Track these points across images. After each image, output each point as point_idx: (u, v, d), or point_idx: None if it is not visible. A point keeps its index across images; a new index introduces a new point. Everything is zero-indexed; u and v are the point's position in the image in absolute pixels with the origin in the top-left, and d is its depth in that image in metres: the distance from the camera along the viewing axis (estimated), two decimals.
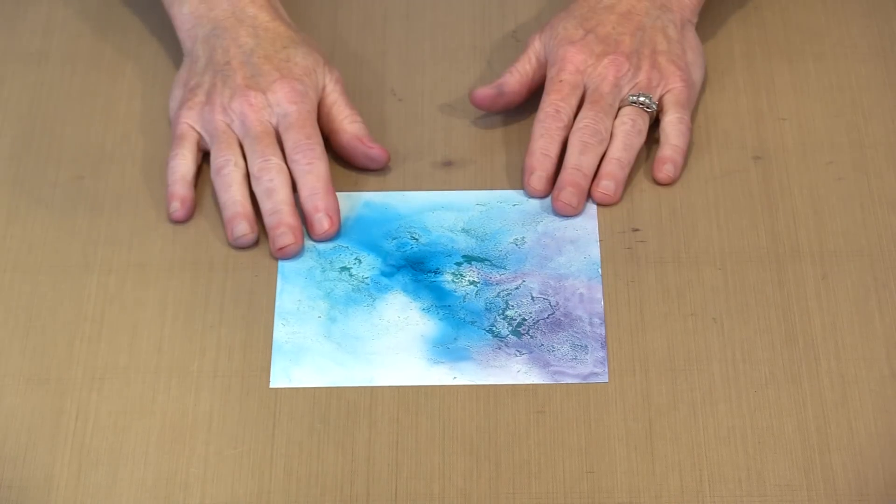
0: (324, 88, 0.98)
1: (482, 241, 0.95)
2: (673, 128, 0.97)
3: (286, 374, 0.90)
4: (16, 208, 0.98)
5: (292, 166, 0.95)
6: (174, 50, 1.04)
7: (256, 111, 0.96)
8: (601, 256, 0.94)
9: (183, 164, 0.96)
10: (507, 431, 0.88)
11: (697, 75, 1.00)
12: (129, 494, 0.86)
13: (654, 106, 0.97)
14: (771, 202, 0.97)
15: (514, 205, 0.97)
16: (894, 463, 0.86)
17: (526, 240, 0.95)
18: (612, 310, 0.92)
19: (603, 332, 0.91)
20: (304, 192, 0.95)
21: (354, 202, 0.97)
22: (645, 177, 0.98)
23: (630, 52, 0.97)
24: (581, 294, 0.93)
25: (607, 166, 0.96)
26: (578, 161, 0.95)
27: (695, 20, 1.01)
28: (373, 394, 0.89)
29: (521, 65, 1.00)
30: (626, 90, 0.97)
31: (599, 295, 0.93)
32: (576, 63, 0.97)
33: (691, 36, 1.00)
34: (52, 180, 0.99)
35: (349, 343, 0.91)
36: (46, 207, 0.97)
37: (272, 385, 0.90)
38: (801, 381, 0.89)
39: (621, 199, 0.96)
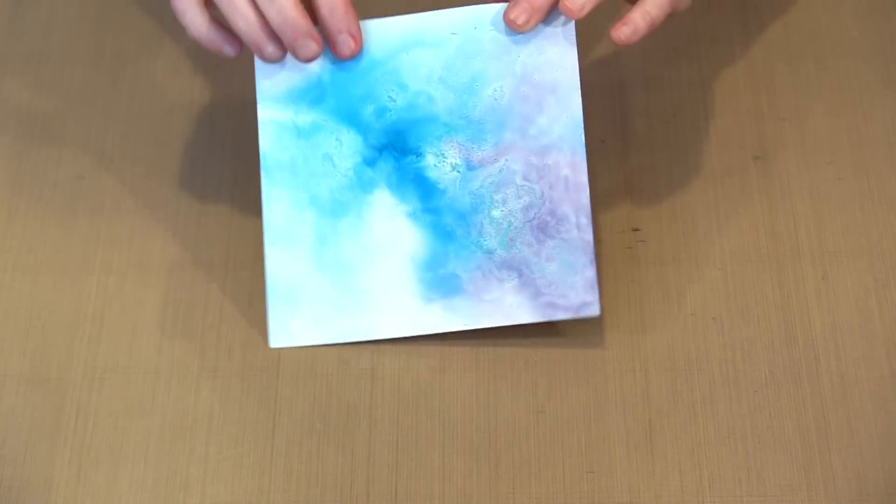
0: None
1: (460, 94, 0.91)
2: None
3: (284, 327, 0.90)
4: (16, 208, 0.98)
5: None
6: (174, 50, 1.04)
7: None
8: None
9: (191, 7, 0.89)
10: (507, 431, 0.88)
11: None
12: (129, 494, 0.86)
13: None
14: (771, 202, 0.97)
15: (490, 24, 0.91)
16: (894, 463, 0.86)
17: (504, 90, 0.91)
18: (612, 310, 0.92)
19: (591, 238, 0.90)
20: (322, 11, 0.89)
21: (327, 53, 0.91)
22: (645, 177, 0.98)
23: None
24: (566, 178, 0.90)
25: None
26: None
27: None
28: (373, 394, 0.90)
29: None
30: None
31: (584, 178, 0.90)
32: None
33: None
34: (52, 180, 0.99)
35: (342, 276, 0.91)
36: (46, 207, 0.97)
37: (272, 345, 0.90)
38: (801, 381, 0.89)
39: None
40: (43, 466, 0.87)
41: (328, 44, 0.90)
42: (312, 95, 0.91)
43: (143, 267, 0.95)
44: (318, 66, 0.91)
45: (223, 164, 0.99)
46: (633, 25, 0.90)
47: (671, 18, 0.92)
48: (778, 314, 0.92)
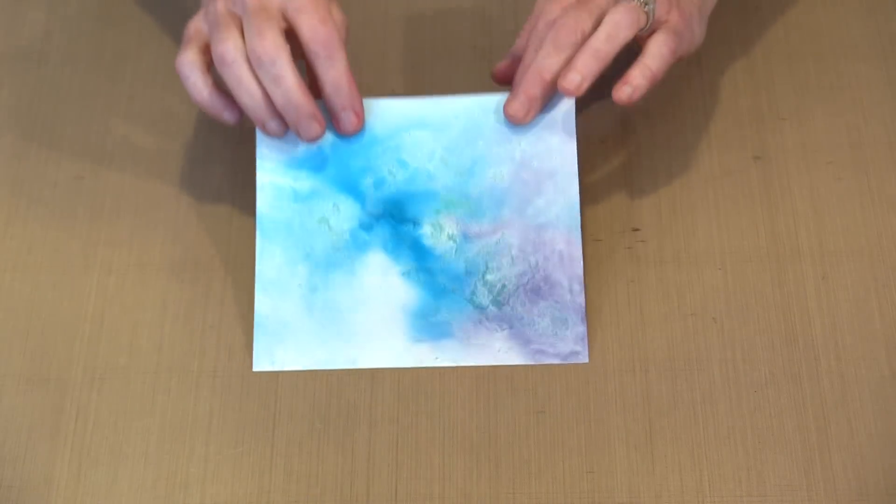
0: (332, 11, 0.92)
1: (460, 174, 0.93)
2: (656, 49, 0.91)
3: (269, 355, 0.90)
4: (16, 208, 0.98)
5: (310, 57, 0.89)
6: (174, 50, 1.04)
7: None
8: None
9: (195, 68, 0.90)
10: (507, 431, 0.88)
11: (699, 31, 0.95)
12: (129, 494, 0.86)
13: (652, 8, 0.91)
14: (771, 202, 0.97)
15: (493, 113, 0.93)
16: (894, 463, 0.86)
17: (504, 174, 0.93)
18: (612, 310, 0.92)
19: (583, 301, 0.91)
20: (327, 89, 0.90)
21: (330, 126, 0.93)
22: (645, 177, 0.98)
23: None
24: (561, 252, 0.92)
25: (583, 56, 0.89)
26: (542, 64, 0.90)
27: (708, 13, 0.97)
28: (373, 394, 0.90)
29: (530, 24, 0.95)
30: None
31: (579, 253, 0.92)
32: None
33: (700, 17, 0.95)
34: (52, 180, 0.99)
35: (331, 317, 0.91)
36: (46, 207, 0.97)
37: (255, 369, 0.90)
38: (801, 381, 0.89)
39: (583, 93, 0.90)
40: (43, 466, 0.87)
41: (332, 119, 0.92)
42: (312, 164, 0.93)
43: (143, 267, 0.95)
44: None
45: (223, 165, 0.99)
46: (633, 84, 0.91)
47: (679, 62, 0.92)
48: (778, 314, 0.92)
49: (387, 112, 0.94)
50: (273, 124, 0.90)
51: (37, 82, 1.04)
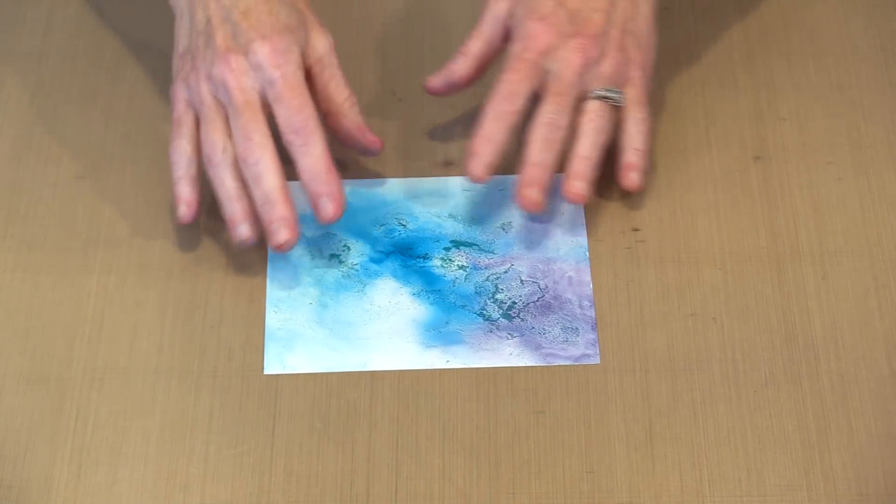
0: (313, 49, 0.93)
1: (469, 225, 0.95)
2: (635, 129, 0.94)
3: (280, 360, 0.90)
4: (16, 208, 0.98)
5: (287, 146, 0.91)
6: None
7: (237, 77, 0.91)
8: (591, 249, 0.94)
9: (184, 157, 0.93)
10: (507, 431, 0.88)
11: (654, 57, 0.97)
12: (129, 494, 0.86)
13: (623, 102, 0.94)
14: (771, 202, 0.97)
15: (500, 189, 0.97)
16: (894, 463, 0.86)
17: (513, 224, 0.95)
18: (612, 310, 0.92)
19: (593, 314, 0.91)
20: (304, 176, 0.91)
21: None
22: (645, 177, 0.98)
23: (599, 34, 0.93)
24: (570, 277, 0.93)
25: (577, 165, 0.93)
26: (542, 158, 0.92)
27: None
28: (373, 394, 0.90)
29: (487, 29, 0.96)
30: (590, 78, 0.93)
31: (588, 278, 0.93)
32: (541, 43, 0.92)
33: (651, 11, 0.96)
34: (52, 180, 0.99)
35: (341, 328, 0.91)
36: (46, 207, 0.97)
37: (266, 371, 0.90)
38: (801, 381, 0.89)
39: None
40: (43, 466, 0.87)
41: (311, 205, 0.91)
42: None
43: (143, 267, 0.95)
44: None
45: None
46: (636, 169, 0.95)
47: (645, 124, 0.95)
48: (778, 314, 0.92)
49: (395, 187, 0.97)
50: (243, 228, 0.91)
51: (37, 82, 1.04)
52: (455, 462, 0.87)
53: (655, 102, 1.00)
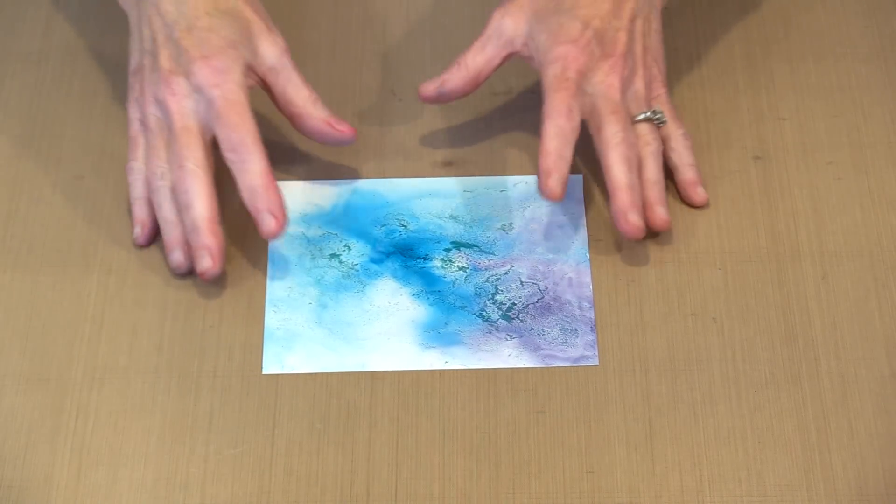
0: (262, 59, 0.93)
1: (470, 227, 0.96)
2: (682, 146, 0.96)
3: (278, 360, 0.90)
4: (16, 208, 0.98)
5: (227, 164, 0.91)
6: None
7: (179, 100, 0.91)
8: (592, 249, 0.94)
9: (139, 178, 0.94)
10: (507, 431, 0.88)
11: (666, 70, 0.98)
12: (129, 494, 0.86)
13: (665, 121, 0.95)
14: (771, 202, 0.97)
15: (501, 191, 0.97)
16: (894, 463, 0.86)
17: (514, 225, 0.96)
18: (612, 310, 0.92)
19: (592, 315, 0.91)
20: (243, 193, 0.91)
21: (343, 190, 0.97)
22: None
23: (625, 53, 0.94)
24: (570, 278, 0.93)
25: (654, 192, 0.93)
26: (630, 179, 0.92)
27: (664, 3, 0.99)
28: (373, 394, 0.90)
29: (489, 45, 0.96)
30: (629, 98, 0.94)
31: (588, 279, 0.93)
32: (579, 64, 0.93)
33: (661, 25, 0.98)
34: (52, 180, 0.99)
35: (341, 329, 0.91)
36: (46, 207, 0.97)
37: (265, 371, 0.90)
38: (801, 381, 0.89)
39: None
40: (43, 466, 0.87)
41: (253, 221, 0.91)
42: (325, 219, 0.96)
43: (143, 267, 0.95)
44: (332, 199, 0.96)
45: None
46: (699, 181, 0.96)
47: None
48: (778, 314, 0.92)
49: (396, 188, 0.97)
50: (176, 255, 0.92)
51: (37, 82, 1.04)
52: (455, 462, 0.87)
53: None
